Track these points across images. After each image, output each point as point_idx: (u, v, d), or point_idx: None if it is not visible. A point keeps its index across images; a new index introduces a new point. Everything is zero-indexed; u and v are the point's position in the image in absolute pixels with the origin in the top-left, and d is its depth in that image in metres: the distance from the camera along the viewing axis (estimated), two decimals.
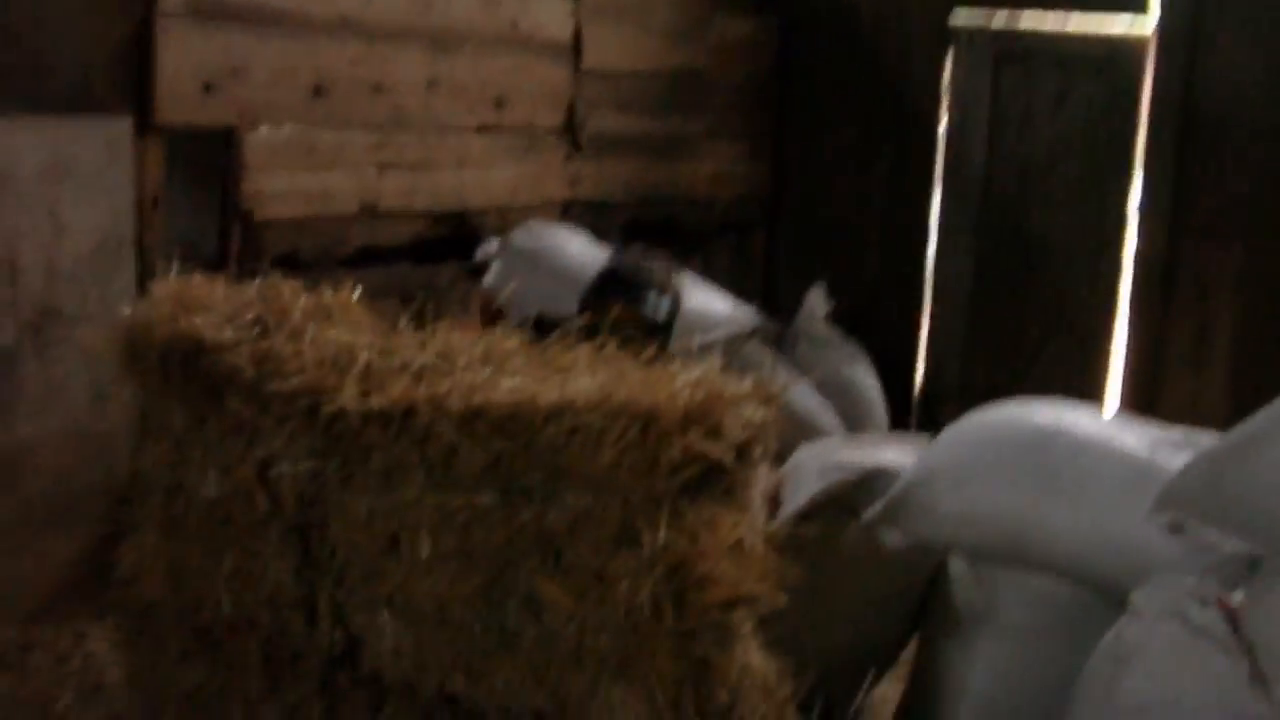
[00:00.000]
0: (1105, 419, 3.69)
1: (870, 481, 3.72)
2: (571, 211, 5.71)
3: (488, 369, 3.07)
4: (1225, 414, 4.64)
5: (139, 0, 4.17)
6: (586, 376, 3.02)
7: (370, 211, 4.88)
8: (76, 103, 4.08)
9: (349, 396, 2.96)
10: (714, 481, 2.88)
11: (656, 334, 3.52)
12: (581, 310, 3.60)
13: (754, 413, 2.94)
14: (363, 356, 3.07)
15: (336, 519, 2.99)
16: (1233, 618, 2.99)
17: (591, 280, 3.69)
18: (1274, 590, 2.90)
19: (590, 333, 3.26)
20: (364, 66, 4.80)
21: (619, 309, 3.45)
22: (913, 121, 6.49)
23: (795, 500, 3.67)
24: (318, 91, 4.67)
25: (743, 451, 2.92)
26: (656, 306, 3.44)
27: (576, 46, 5.63)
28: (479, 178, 5.27)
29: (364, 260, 4.88)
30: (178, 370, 3.16)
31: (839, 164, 6.69)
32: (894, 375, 6.28)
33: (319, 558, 3.04)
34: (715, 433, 2.86)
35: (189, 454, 3.13)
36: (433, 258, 5.13)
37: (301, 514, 3.02)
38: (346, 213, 4.81)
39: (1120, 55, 5.93)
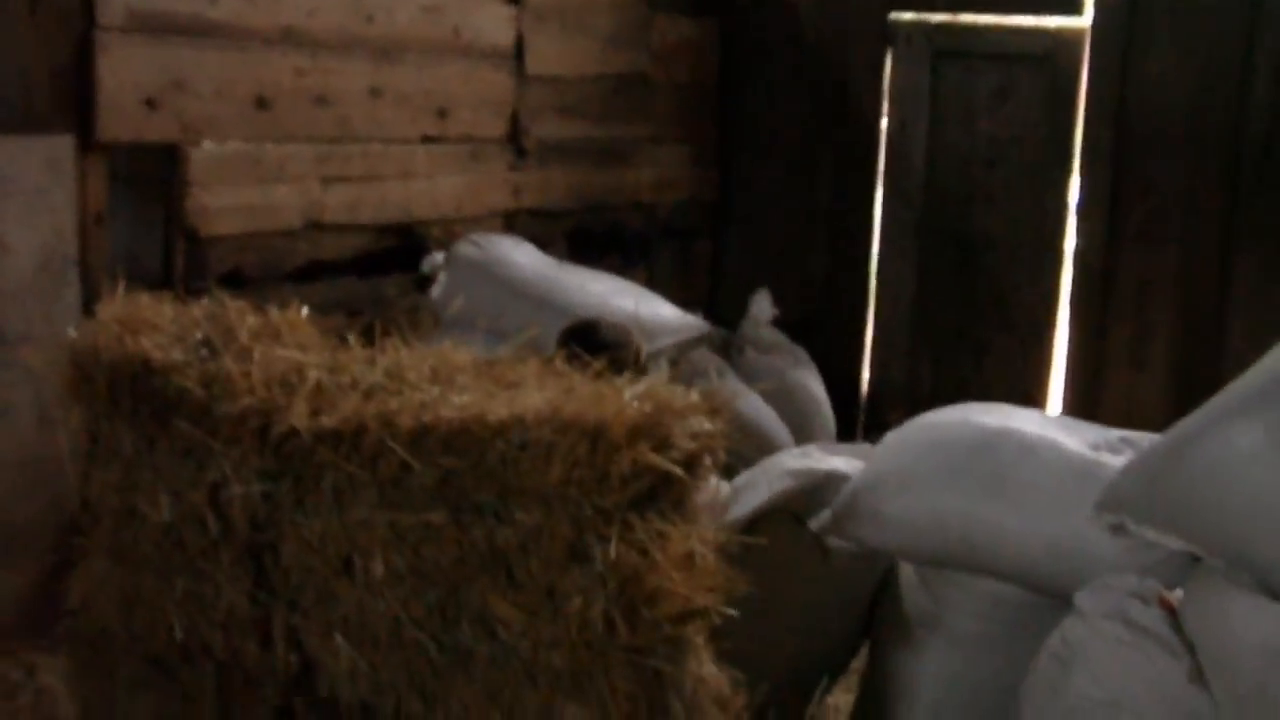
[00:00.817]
0: (1048, 422, 3.74)
1: (818, 489, 3.76)
2: (516, 220, 5.72)
3: (437, 386, 3.08)
4: (1165, 414, 4.71)
5: (79, 16, 4.14)
6: (535, 392, 3.04)
7: (315, 225, 4.87)
8: (17, 121, 4.04)
9: (299, 416, 2.97)
10: (663, 494, 2.90)
11: None
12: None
13: (702, 423, 2.96)
14: (312, 375, 3.07)
15: (289, 541, 3.00)
16: (1174, 616, 3.06)
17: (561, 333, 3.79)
18: (1212, 588, 2.96)
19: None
20: (307, 78, 4.79)
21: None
22: (855, 121, 6.54)
23: (742, 509, 3.70)
24: (261, 104, 4.66)
25: (692, 463, 2.93)
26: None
27: (519, 53, 5.64)
28: (424, 188, 5.27)
29: (310, 274, 4.87)
30: (126, 392, 3.15)
31: (783, 166, 6.73)
32: (841, 379, 6.33)
33: (272, 581, 3.04)
34: (664, 445, 2.88)
35: (139, 478, 3.13)
36: (379, 270, 5.13)
37: (254, 536, 3.02)
38: (291, 227, 4.79)
39: (1059, 50, 6.00)
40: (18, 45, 4.03)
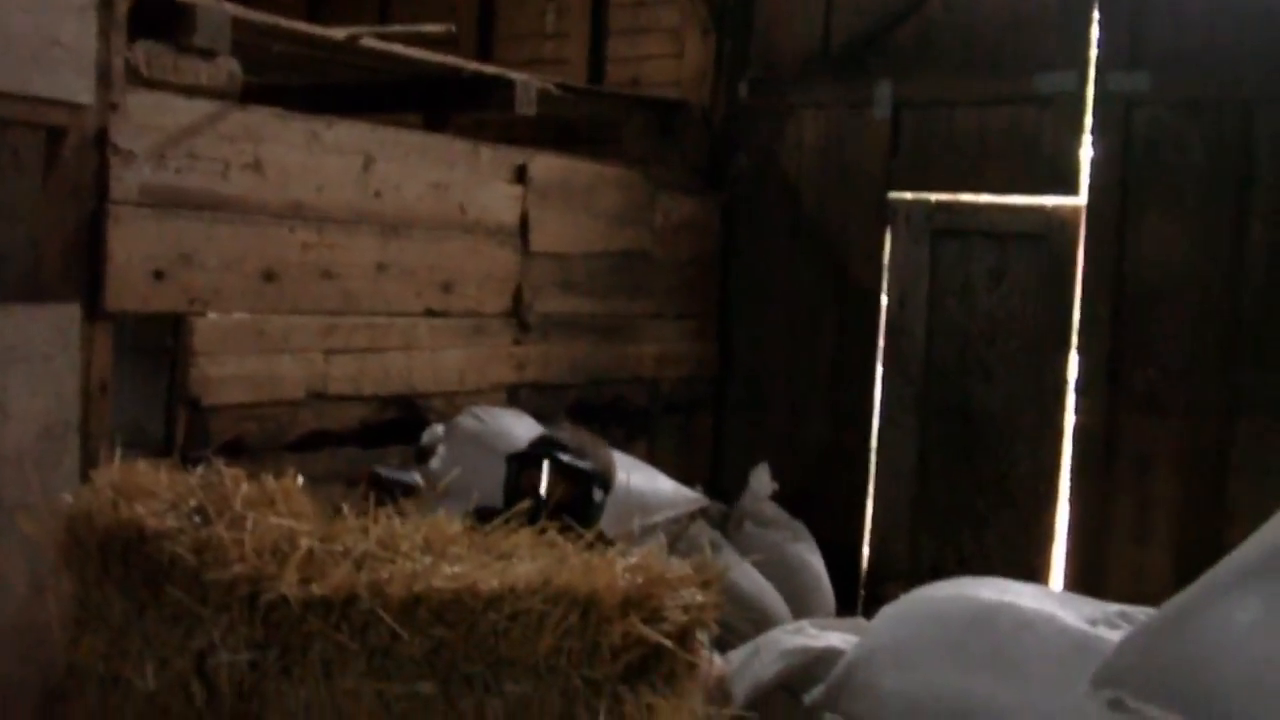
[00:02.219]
0: (1046, 596, 3.73)
1: (814, 664, 3.73)
2: (519, 394, 5.76)
3: (429, 556, 3.08)
4: (1169, 586, 4.67)
5: (92, 190, 4.23)
6: (528, 562, 3.04)
7: (318, 396, 4.90)
8: (26, 289, 4.10)
9: (289, 584, 2.97)
10: (655, 666, 2.88)
11: (587, 509, 3.57)
12: (512, 474, 3.65)
13: (694, 595, 2.96)
14: (304, 544, 3.08)
15: (275, 711, 2.97)
16: None
17: (523, 448, 3.76)
18: None
19: (530, 517, 3.29)
20: (314, 252, 4.87)
21: (553, 480, 3.50)
22: (854, 297, 6.64)
23: (740, 688, 3.66)
24: (268, 277, 4.73)
25: (683, 635, 2.93)
26: (589, 484, 3.50)
27: (523, 230, 5.74)
28: (427, 361, 5.32)
29: (312, 444, 4.89)
30: (118, 559, 3.16)
31: (783, 341, 6.81)
32: (840, 552, 6.29)
33: None
34: (655, 617, 2.88)
35: (127, 645, 3.11)
36: (380, 441, 5.15)
37: (240, 706, 2.99)
38: (294, 398, 4.82)
39: (1055, 228, 6.11)
40: (31, 216, 4.11)
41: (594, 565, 2.98)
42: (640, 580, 2.92)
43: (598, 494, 3.52)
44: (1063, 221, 6.10)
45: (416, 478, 3.84)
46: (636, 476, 4.99)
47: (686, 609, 2.93)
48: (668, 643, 2.85)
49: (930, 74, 6.40)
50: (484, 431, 5.14)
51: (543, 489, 3.71)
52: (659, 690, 2.88)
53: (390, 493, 3.64)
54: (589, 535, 3.14)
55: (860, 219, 6.62)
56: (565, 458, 3.55)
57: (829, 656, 3.75)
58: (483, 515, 3.41)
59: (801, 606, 5.55)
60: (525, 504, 3.44)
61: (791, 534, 6.00)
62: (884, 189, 6.54)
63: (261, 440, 4.72)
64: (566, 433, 3.80)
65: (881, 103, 6.50)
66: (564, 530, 3.16)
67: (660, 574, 2.95)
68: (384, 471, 3.86)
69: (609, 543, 3.24)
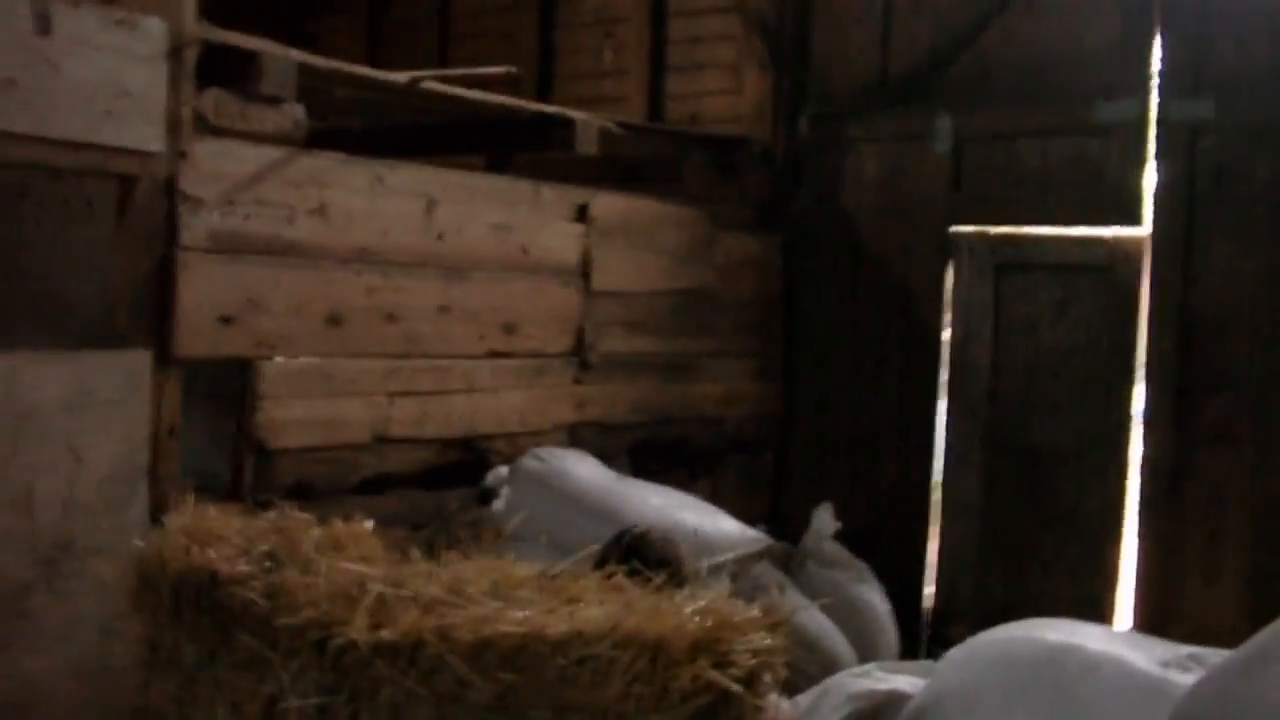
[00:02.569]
0: (1114, 637, 3.68)
1: (880, 709, 3.69)
2: (580, 434, 5.76)
3: (497, 600, 3.08)
4: (1240, 624, 4.60)
5: (161, 236, 4.30)
6: (595, 606, 3.03)
7: (382, 439, 4.94)
8: (98, 336, 4.17)
9: (358, 629, 2.98)
10: (723, 711, 2.86)
11: None
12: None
13: (763, 639, 2.94)
14: (373, 588, 3.09)
15: None
16: None
17: (609, 544, 3.75)
18: None
19: None
20: (378, 295, 4.92)
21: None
22: (917, 332, 6.61)
23: None
24: (333, 321, 4.78)
25: (751, 679, 2.91)
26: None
27: (585, 269, 5.76)
28: (489, 402, 5.35)
29: (375, 487, 4.91)
30: (190, 603, 3.19)
31: (847, 379, 6.78)
32: (904, 592, 6.23)
33: None
34: (724, 661, 2.86)
35: (197, 690, 3.14)
36: (443, 484, 5.16)
37: None
38: (359, 441, 4.87)
39: (1119, 259, 6.05)
40: (102, 264, 4.18)
41: (661, 609, 2.96)
42: (708, 624, 2.90)
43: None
44: (1127, 252, 6.05)
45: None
46: (701, 517, 4.99)
47: (755, 653, 2.91)
48: (736, 687, 2.83)
49: (990, 106, 6.37)
50: (546, 472, 5.16)
51: None
52: None
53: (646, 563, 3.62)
54: (657, 579, 3.13)
55: (923, 254, 6.59)
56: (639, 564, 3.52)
57: (895, 700, 3.72)
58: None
59: (866, 648, 5.50)
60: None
61: (855, 574, 5.95)
62: (946, 223, 6.51)
63: (327, 483, 4.76)
64: (658, 537, 3.80)
65: (942, 136, 6.48)
66: (631, 574, 3.16)
67: (728, 618, 2.94)
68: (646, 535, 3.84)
69: (680, 583, 3.23)
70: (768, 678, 2.94)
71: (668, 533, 4.01)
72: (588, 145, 5.83)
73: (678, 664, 2.82)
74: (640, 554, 3.58)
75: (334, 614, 3.03)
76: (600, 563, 3.56)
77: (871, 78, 6.73)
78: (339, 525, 3.36)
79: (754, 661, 2.90)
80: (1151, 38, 5.96)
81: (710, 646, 2.86)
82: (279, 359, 4.61)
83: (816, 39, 6.89)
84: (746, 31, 6.89)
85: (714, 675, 2.82)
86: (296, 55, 4.68)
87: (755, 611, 2.99)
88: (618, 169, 6.66)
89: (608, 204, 5.87)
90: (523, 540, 4.70)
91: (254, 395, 4.55)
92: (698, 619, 2.91)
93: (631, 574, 3.24)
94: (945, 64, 6.50)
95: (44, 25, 3.92)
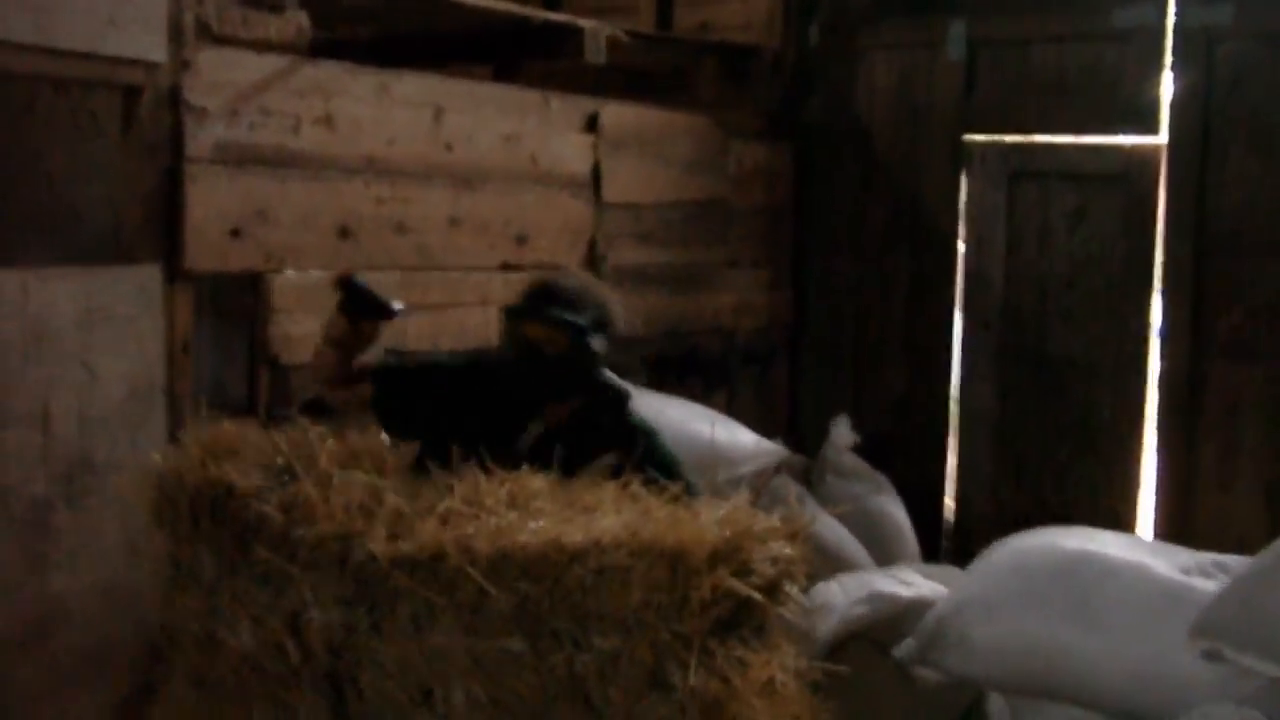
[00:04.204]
0: (1137, 545, 3.68)
1: (901, 616, 3.70)
2: None
3: (514, 511, 3.08)
4: (1260, 534, 4.60)
5: (167, 148, 4.24)
6: (612, 515, 3.03)
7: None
8: (107, 251, 4.13)
9: (377, 542, 2.98)
10: (744, 619, 2.87)
11: (585, 358, 3.50)
12: (510, 330, 3.55)
13: (782, 548, 2.94)
14: (390, 501, 3.09)
15: (368, 668, 2.99)
16: None
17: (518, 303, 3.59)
18: None
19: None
20: (387, 207, 4.86)
21: (550, 333, 3.44)
22: (930, 242, 6.55)
23: (827, 625, 3.64)
24: (343, 233, 4.73)
25: (772, 588, 2.91)
26: (583, 337, 3.43)
27: (596, 180, 5.70)
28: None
29: None
30: (207, 518, 3.19)
31: (859, 289, 6.74)
32: (923, 504, 6.24)
33: (352, 709, 3.02)
34: (744, 570, 2.86)
35: (219, 604, 3.14)
36: None
37: (333, 663, 3.02)
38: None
39: (1135, 167, 5.98)
40: (109, 177, 4.13)
41: (680, 518, 2.96)
42: (728, 533, 2.90)
43: (596, 341, 3.45)
44: (1143, 161, 5.98)
45: (400, 306, 3.72)
46: (718, 429, 4.97)
47: (775, 562, 2.91)
48: (757, 596, 2.84)
49: (1005, 12, 6.26)
50: None
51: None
52: (749, 644, 2.86)
53: (359, 306, 3.58)
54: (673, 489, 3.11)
55: (935, 163, 6.51)
56: (556, 312, 3.41)
57: (916, 608, 3.72)
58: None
59: (885, 559, 5.50)
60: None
61: (874, 486, 5.96)
62: (959, 131, 6.43)
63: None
64: (571, 279, 3.68)
65: (955, 43, 6.38)
66: (647, 484, 3.14)
67: (748, 527, 2.93)
68: (360, 281, 3.71)
69: (694, 493, 3.21)
70: (789, 586, 2.95)
71: (585, 276, 3.93)
72: (596, 55, 5.74)
73: (698, 573, 2.82)
74: (554, 298, 3.48)
75: (352, 526, 3.03)
76: (515, 312, 3.47)
77: None
78: (354, 438, 3.34)
79: (775, 570, 2.90)
80: None
81: (730, 555, 2.86)
82: (290, 272, 4.57)
83: None
84: None
85: (734, 584, 2.83)
86: None
87: (775, 521, 2.98)
88: (626, 79, 6.57)
89: (618, 114, 5.80)
90: None
91: (265, 310, 4.51)
92: (717, 528, 2.91)
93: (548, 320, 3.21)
94: None
95: None
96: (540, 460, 3.26)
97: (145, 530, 3.39)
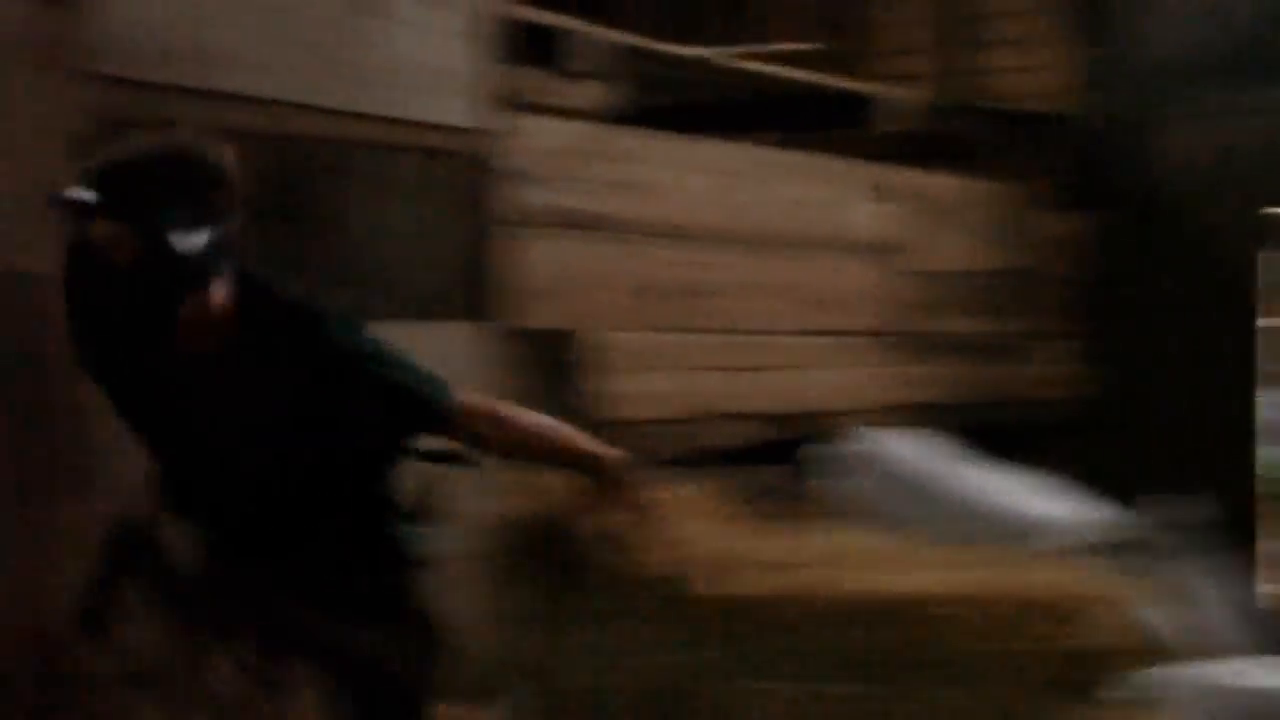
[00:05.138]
0: None
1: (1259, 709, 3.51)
2: (898, 414, 5.60)
3: (845, 562, 3.07)
4: None
5: (480, 211, 4.33)
6: (949, 571, 3.02)
7: (702, 415, 4.90)
8: (424, 310, 4.22)
9: (712, 585, 2.99)
10: (1086, 679, 2.84)
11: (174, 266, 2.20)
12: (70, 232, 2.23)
13: (1118, 617, 2.97)
14: (722, 549, 3.09)
15: (707, 711, 2.96)
16: None
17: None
18: None
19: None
20: (689, 271, 4.89)
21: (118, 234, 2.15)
22: (1234, 316, 6.30)
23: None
24: (648, 295, 4.76)
25: (1116, 653, 2.93)
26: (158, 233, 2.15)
27: (892, 247, 5.64)
28: (801, 380, 5.27)
29: (692, 462, 4.86)
30: (552, 562, 3.21)
31: (1167, 364, 6.48)
32: (1239, 590, 5.90)
33: None
34: (1078, 630, 2.86)
35: (559, 644, 3.16)
36: (755, 460, 5.10)
37: (676, 706, 3.00)
38: (682, 415, 4.84)
39: None
40: (424, 240, 4.23)
41: (1014, 577, 2.95)
42: (1061, 594, 2.94)
43: (191, 240, 2.19)
44: None
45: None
46: (1046, 501, 4.81)
47: (1116, 627, 2.91)
48: (1101, 656, 2.79)
49: None
50: (867, 452, 5.05)
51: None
52: (1091, 704, 2.86)
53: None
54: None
55: (1237, 234, 6.29)
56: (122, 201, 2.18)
57: (1266, 699, 3.51)
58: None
59: (1207, 644, 5.23)
60: None
61: (1196, 567, 5.67)
62: (1260, 200, 6.19)
63: (648, 458, 4.72)
64: (158, 146, 2.27)
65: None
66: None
67: (1087, 592, 2.96)
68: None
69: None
70: (1126, 654, 2.95)
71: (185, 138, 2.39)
72: (889, 122, 5.72)
73: (1031, 628, 2.78)
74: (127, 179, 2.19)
75: (686, 571, 3.03)
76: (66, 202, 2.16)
77: (1191, 53, 6.41)
78: (684, 488, 3.34)
79: (1116, 635, 2.93)
80: None
81: (1066, 615, 2.87)
82: (606, 333, 4.61)
83: (1130, 14, 6.61)
84: (1052, 4, 6.66)
85: (1079, 643, 2.82)
86: (608, 34, 4.70)
87: (1111, 588, 2.96)
88: (912, 146, 6.52)
89: (910, 181, 5.74)
90: (841, 517, 4.60)
91: (582, 369, 4.55)
92: (1056, 590, 2.89)
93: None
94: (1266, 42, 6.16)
95: (357, 4, 3.99)
96: (192, 394, 2.33)
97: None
